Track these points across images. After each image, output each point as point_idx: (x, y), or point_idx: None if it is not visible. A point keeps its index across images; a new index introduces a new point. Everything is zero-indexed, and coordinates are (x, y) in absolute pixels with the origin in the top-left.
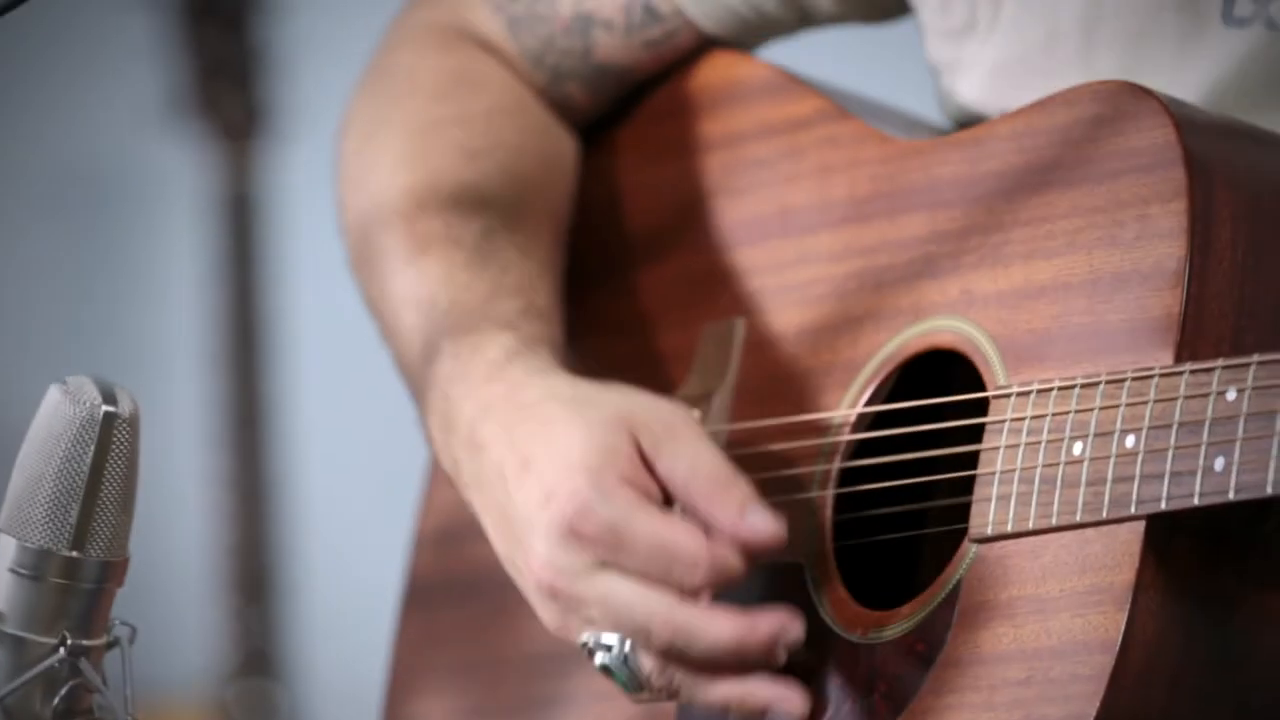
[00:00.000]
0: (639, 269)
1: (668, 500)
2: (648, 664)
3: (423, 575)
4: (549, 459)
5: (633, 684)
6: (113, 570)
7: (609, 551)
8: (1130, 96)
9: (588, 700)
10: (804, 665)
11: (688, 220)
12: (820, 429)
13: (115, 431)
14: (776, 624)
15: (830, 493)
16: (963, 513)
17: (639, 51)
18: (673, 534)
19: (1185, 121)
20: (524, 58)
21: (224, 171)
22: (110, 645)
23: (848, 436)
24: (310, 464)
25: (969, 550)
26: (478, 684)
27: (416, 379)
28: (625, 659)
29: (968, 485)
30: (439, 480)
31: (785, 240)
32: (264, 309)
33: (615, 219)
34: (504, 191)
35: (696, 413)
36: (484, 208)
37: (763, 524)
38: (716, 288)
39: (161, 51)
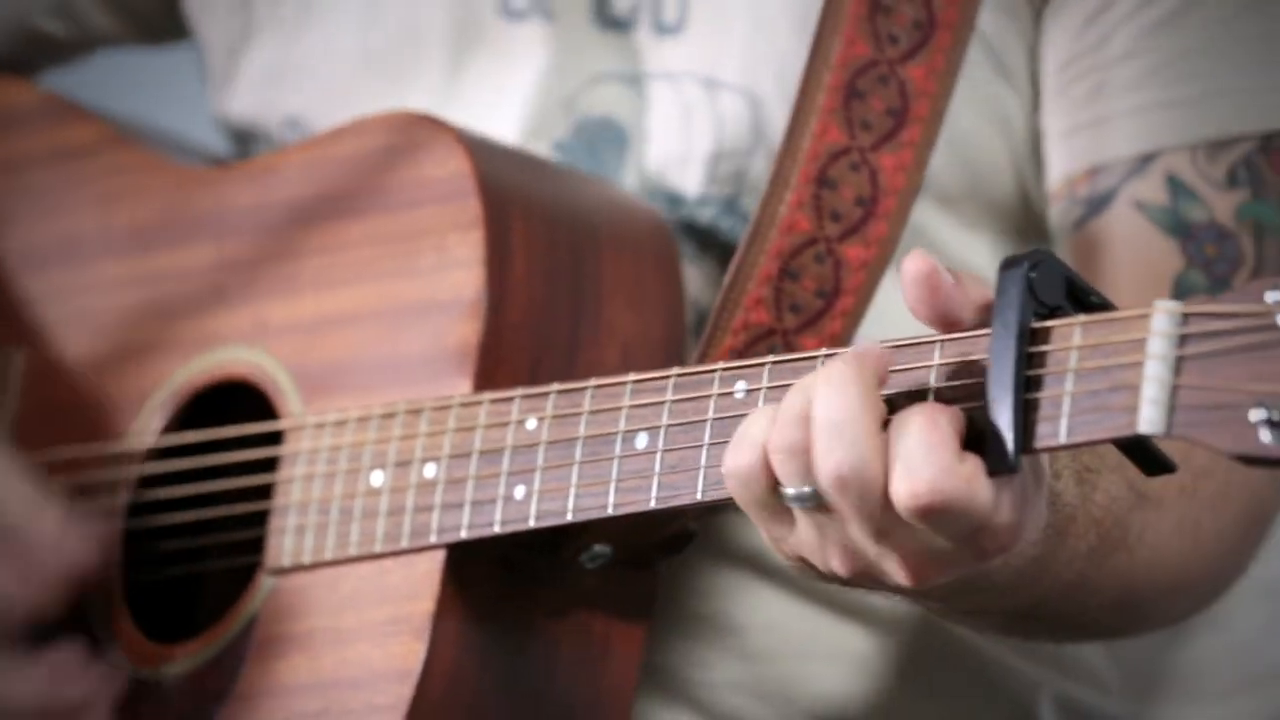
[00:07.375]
0: None
1: None
2: None
3: None
4: None
5: None
6: None
7: None
8: (424, 127)
9: None
10: (108, 705)
11: None
12: (108, 461)
13: None
14: None
15: (117, 526)
16: (259, 545)
17: None
18: None
19: (480, 153)
20: None
21: None
22: None
23: (134, 470)
24: None
25: (264, 583)
26: None
27: None
28: None
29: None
30: None
31: (67, 269)
32: None
33: None
34: None
35: None
36: None
37: None
38: None
39: None
